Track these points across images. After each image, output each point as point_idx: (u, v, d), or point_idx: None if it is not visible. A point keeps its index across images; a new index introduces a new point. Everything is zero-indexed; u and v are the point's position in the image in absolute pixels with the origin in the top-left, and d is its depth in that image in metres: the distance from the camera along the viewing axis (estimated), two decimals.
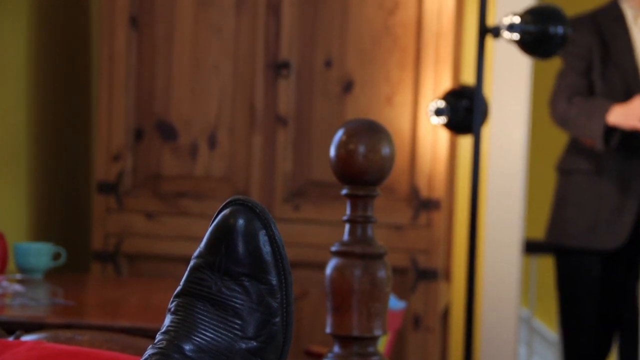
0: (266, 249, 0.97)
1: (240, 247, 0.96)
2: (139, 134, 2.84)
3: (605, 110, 2.90)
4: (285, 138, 2.78)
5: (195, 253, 0.99)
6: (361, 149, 1.30)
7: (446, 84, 2.71)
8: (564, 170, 3.09)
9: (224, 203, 0.99)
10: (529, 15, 2.35)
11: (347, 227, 1.35)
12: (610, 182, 2.98)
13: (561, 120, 3.01)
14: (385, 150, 1.31)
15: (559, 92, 3.03)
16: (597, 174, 3.00)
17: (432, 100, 2.66)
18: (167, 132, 2.83)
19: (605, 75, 3.00)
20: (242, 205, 0.97)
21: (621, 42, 3.02)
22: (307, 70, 2.77)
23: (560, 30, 2.34)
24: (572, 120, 2.98)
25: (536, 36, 2.33)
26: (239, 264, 0.96)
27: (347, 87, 2.76)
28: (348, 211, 1.35)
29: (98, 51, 3.10)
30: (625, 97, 2.97)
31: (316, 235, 2.75)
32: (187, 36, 2.81)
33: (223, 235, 0.97)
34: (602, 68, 3.00)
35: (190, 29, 2.81)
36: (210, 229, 0.98)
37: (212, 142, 2.81)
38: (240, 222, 0.97)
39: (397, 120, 2.73)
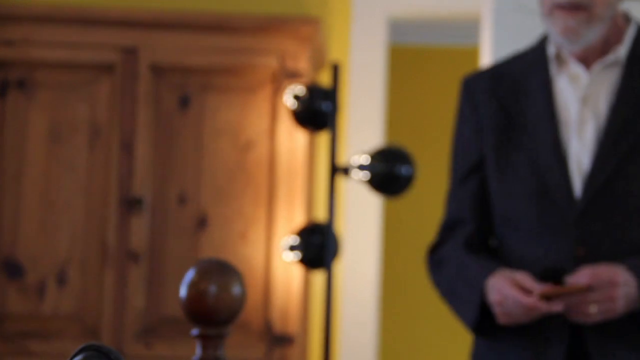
0: None
1: None
2: None
3: (477, 289, 1.88)
4: (138, 274, 2.74)
5: None
6: (212, 289, 1.30)
7: (299, 221, 2.75)
8: None
9: (78, 349, 0.96)
10: (378, 156, 2.43)
11: None
12: (519, 348, 1.90)
13: (438, 290, 2.00)
14: (236, 289, 1.32)
15: (437, 236, 2.00)
16: (506, 333, 1.90)
17: (285, 236, 2.69)
18: (13, 270, 2.74)
19: (508, 162, 1.91)
20: (96, 351, 0.95)
21: (536, 100, 1.90)
22: (161, 206, 2.77)
23: (406, 170, 2.42)
24: (443, 291, 1.97)
25: (384, 176, 2.41)
26: None
27: (201, 223, 2.76)
28: (198, 351, 1.34)
29: None
30: (537, 188, 1.88)
31: None
32: (38, 173, 2.77)
33: None
34: (500, 154, 1.92)
35: (42, 166, 2.77)
36: None
37: (62, 280, 2.74)
38: None
39: (251, 256, 2.75)
